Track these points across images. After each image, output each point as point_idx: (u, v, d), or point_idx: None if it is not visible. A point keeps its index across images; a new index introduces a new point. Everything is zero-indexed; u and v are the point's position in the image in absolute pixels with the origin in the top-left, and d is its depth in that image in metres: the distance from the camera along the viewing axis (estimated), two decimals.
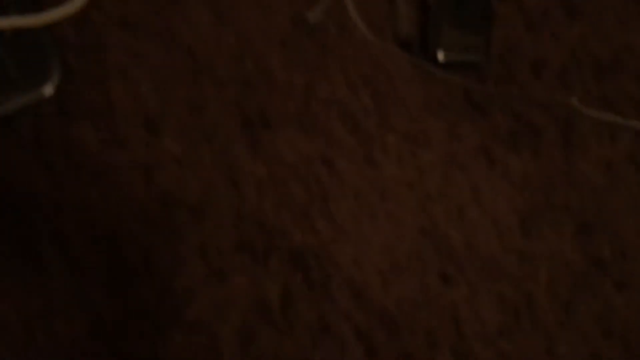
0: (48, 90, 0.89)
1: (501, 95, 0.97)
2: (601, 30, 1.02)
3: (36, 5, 0.88)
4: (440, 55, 0.95)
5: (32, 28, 0.88)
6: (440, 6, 0.96)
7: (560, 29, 1.00)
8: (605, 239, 0.98)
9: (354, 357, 0.90)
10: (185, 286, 0.88)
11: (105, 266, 0.87)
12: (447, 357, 0.92)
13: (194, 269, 0.90)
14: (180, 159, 0.91)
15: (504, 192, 0.98)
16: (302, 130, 0.94)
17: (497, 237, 0.96)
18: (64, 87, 0.89)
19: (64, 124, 0.89)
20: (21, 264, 0.86)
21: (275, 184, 0.93)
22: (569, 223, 0.98)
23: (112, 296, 0.86)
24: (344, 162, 0.95)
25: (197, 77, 0.92)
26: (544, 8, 1.01)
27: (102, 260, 0.88)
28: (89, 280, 0.87)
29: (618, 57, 1.02)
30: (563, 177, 0.99)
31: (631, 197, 1.00)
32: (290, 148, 0.94)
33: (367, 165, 0.95)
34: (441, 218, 0.96)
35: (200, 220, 0.91)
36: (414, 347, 0.91)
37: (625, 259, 0.97)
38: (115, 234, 0.88)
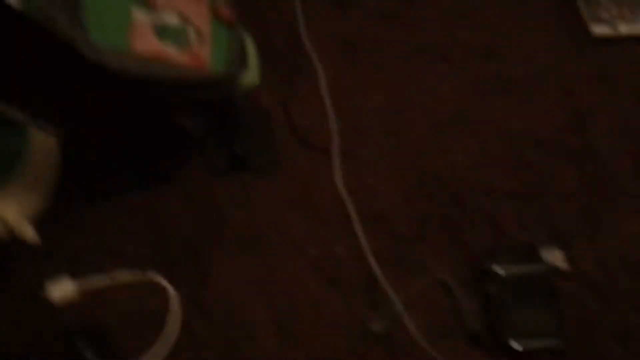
0: None
1: None
2: None
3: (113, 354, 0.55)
4: (515, 345, 0.54)
5: None
6: (502, 293, 0.56)
7: (634, 295, 0.58)
8: None
9: None
10: None
11: None
12: None
13: None
14: None
15: None
16: None
17: None
18: None
19: None
20: None
21: None
22: None
23: None
24: None
25: None
26: (610, 278, 0.59)
27: None
28: None
29: None
30: None
31: None
32: None
33: None
34: None
35: None
36: None
37: None
38: None
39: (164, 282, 0.63)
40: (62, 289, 0.62)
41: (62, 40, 0.50)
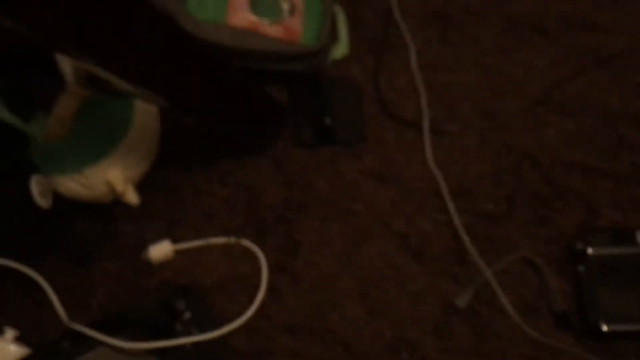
0: None
1: None
2: None
3: (210, 318, 0.58)
4: (604, 327, 0.53)
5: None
6: (591, 274, 0.55)
7: None
8: None
9: None
10: None
11: None
12: None
13: None
14: None
15: None
16: None
17: None
18: None
19: None
20: None
21: None
22: None
23: None
24: None
25: None
26: None
27: None
28: None
29: None
30: None
31: None
32: None
33: None
34: None
35: None
36: None
37: None
38: None
39: (255, 248, 0.66)
40: (161, 250, 0.65)
41: (162, 13, 0.52)
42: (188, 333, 0.60)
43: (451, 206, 0.64)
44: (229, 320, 0.61)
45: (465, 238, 0.62)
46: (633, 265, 0.58)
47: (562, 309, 0.59)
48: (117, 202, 0.66)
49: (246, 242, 0.66)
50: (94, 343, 0.60)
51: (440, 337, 0.60)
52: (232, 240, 0.66)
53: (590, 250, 0.59)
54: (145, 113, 0.67)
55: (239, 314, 0.62)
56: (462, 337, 0.60)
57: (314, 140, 0.71)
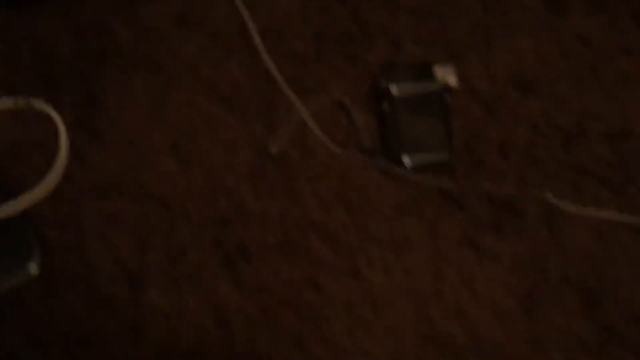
0: (32, 269, 0.56)
1: (473, 186, 0.55)
2: (559, 101, 0.59)
3: (6, 190, 0.50)
4: (406, 160, 0.55)
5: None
6: (395, 111, 0.55)
7: (519, 108, 0.59)
8: (614, 306, 0.54)
9: None
10: None
11: None
12: None
13: None
14: (167, 310, 0.51)
15: (498, 278, 0.57)
16: (283, 257, 0.58)
17: (501, 326, 0.55)
18: (46, 262, 0.53)
19: (48, 297, 0.53)
20: None
21: (265, 316, 0.54)
22: (573, 297, 0.55)
23: None
24: (330, 280, 0.56)
25: (173, 225, 0.56)
26: (498, 92, 0.59)
27: None
28: None
29: (581, 123, 0.58)
30: (554, 250, 0.56)
31: (630, 261, 0.55)
32: (275, 277, 0.55)
33: (354, 280, 0.57)
34: (440, 319, 0.54)
35: None
36: None
37: None
38: None
39: (48, 107, 0.57)
40: None
41: None
42: None
43: (260, 48, 0.60)
44: (28, 189, 0.54)
45: (278, 80, 0.59)
46: (430, 99, 0.59)
47: (369, 146, 0.59)
48: None
49: (38, 102, 0.57)
50: None
51: (256, 182, 0.59)
52: (21, 101, 0.57)
53: (392, 88, 0.59)
54: None
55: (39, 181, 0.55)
56: (276, 180, 0.59)
57: None
